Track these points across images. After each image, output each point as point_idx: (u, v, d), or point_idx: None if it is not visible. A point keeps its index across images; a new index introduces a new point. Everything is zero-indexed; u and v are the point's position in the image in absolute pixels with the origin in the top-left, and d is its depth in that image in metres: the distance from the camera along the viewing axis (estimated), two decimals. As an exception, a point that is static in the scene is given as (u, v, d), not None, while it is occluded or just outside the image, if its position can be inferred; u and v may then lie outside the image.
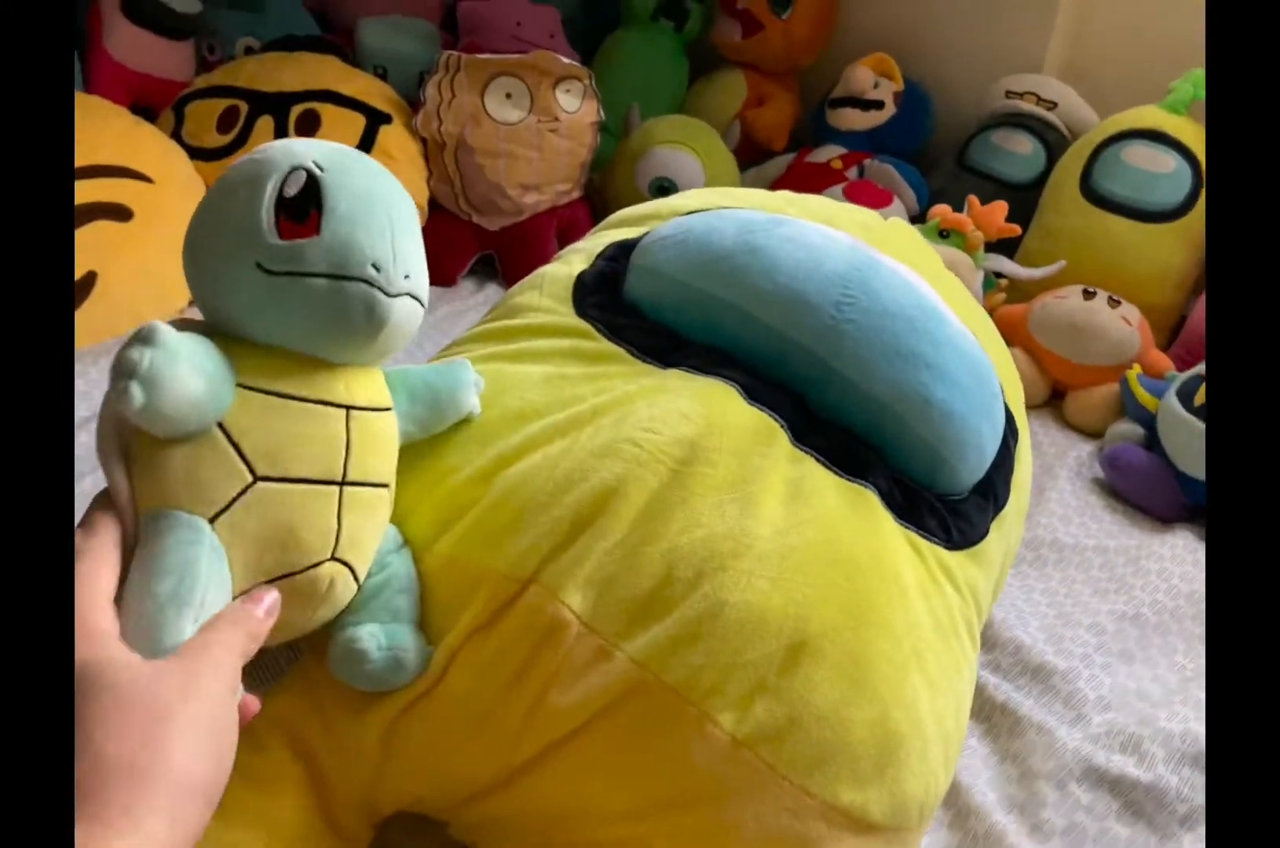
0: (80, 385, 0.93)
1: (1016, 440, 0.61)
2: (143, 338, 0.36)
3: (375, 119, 1.24)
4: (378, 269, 0.40)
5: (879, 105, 1.41)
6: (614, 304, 0.58)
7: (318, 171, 0.40)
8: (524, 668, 0.44)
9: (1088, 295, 1.06)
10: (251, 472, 0.39)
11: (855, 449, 0.52)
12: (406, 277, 0.41)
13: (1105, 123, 1.16)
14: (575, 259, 0.64)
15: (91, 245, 1.06)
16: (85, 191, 1.07)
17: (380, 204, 0.42)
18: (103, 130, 1.13)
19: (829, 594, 0.45)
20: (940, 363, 0.53)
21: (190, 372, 0.37)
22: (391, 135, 1.23)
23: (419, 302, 0.43)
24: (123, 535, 0.38)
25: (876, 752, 0.44)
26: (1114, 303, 1.05)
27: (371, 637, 0.43)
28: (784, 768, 0.42)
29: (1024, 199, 1.22)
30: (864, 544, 0.48)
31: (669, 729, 0.42)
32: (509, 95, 1.26)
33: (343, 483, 0.42)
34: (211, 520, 0.39)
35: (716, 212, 0.62)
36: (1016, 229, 1.09)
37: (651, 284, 0.58)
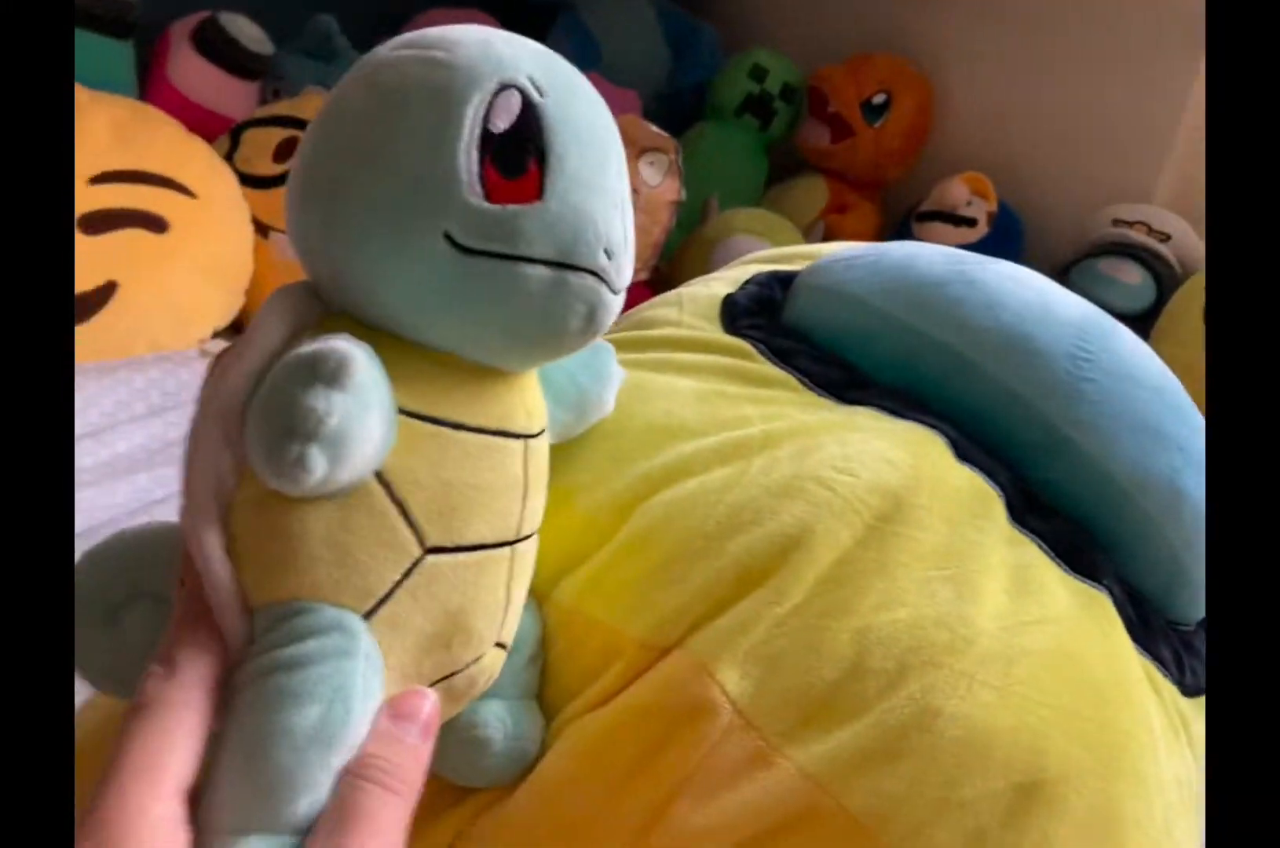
0: (79, 402, 0.82)
1: None
2: (328, 377, 0.23)
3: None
4: (610, 256, 0.27)
5: (971, 223, 1.34)
6: (775, 328, 0.46)
7: (535, 95, 0.26)
8: (646, 764, 0.31)
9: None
10: (420, 542, 0.26)
11: (1083, 542, 0.39)
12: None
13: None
14: (717, 284, 0.52)
15: (119, 254, 0.98)
16: (122, 196, 1.00)
17: (614, 152, 0.28)
18: (153, 138, 1.05)
19: (1071, 724, 0.33)
20: (1195, 450, 0.41)
21: (379, 420, 0.24)
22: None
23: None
24: (219, 669, 0.25)
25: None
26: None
27: (498, 723, 0.30)
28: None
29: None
30: (1107, 665, 0.35)
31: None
32: (588, 159, 1.18)
33: (515, 541, 0.29)
34: (366, 616, 0.26)
35: (909, 242, 0.51)
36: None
37: (830, 307, 0.46)
